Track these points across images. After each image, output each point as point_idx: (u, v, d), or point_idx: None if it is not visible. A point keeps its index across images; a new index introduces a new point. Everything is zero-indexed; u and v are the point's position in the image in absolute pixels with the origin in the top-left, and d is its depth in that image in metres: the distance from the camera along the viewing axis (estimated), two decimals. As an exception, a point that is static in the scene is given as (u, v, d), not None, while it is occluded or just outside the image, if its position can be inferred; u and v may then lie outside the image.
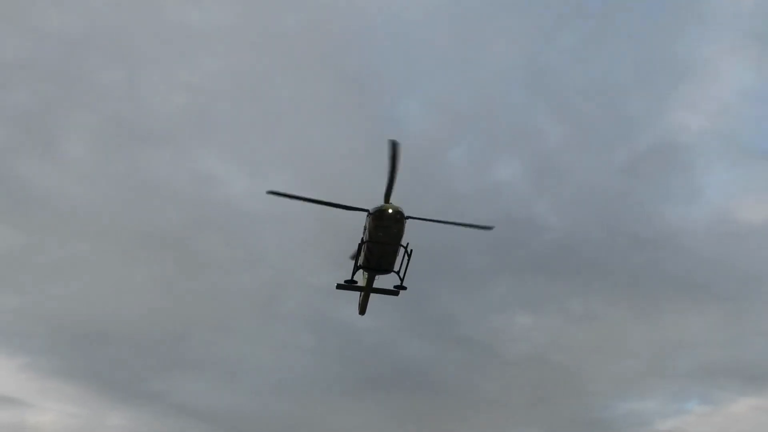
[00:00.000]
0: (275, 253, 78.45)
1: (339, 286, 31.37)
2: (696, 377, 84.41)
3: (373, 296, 32.39)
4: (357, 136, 79.41)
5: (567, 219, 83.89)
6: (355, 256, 29.94)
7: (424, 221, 28.73)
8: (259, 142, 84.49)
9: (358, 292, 32.67)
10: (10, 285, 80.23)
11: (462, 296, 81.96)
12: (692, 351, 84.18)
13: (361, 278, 31.96)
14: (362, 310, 33.43)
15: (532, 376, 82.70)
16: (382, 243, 28.95)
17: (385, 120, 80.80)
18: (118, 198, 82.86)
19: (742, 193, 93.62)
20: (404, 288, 30.76)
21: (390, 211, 28.17)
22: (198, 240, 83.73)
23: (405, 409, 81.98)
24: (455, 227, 29.19)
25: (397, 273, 30.63)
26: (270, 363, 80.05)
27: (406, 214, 28.35)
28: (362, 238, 29.75)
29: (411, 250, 29.32)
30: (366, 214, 28.87)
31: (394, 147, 26.14)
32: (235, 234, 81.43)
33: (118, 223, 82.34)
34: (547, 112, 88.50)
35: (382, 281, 32.56)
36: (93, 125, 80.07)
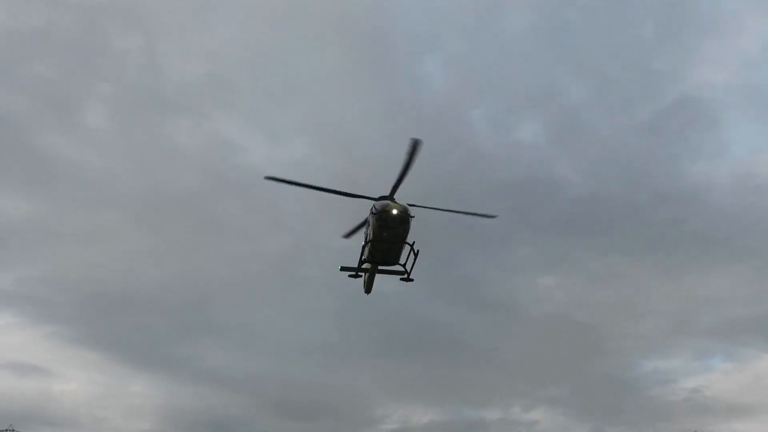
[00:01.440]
0: (296, 217, 78.48)
1: (343, 268, 31.82)
2: (720, 334, 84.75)
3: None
4: (377, 99, 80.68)
5: (589, 178, 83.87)
6: (361, 255, 30.02)
7: (430, 209, 28.52)
8: (279, 108, 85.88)
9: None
10: (32, 254, 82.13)
11: (484, 258, 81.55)
12: (716, 308, 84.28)
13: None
14: (368, 289, 33.16)
15: (556, 336, 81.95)
16: (386, 242, 29.06)
17: (407, 81, 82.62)
18: (138, 165, 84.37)
19: (767, 147, 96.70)
20: (411, 280, 30.86)
21: (395, 212, 27.98)
22: (219, 206, 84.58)
23: (428, 371, 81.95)
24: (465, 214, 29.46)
25: (403, 266, 30.84)
26: (292, 327, 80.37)
27: (411, 213, 28.15)
28: (365, 236, 29.86)
29: (417, 251, 29.25)
30: (371, 208, 28.50)
31: (414, 145, 25.75)
32: (256, 199, 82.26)
33: (140, 191, 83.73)
34: (569, 71, 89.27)
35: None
36: (113, 94, 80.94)
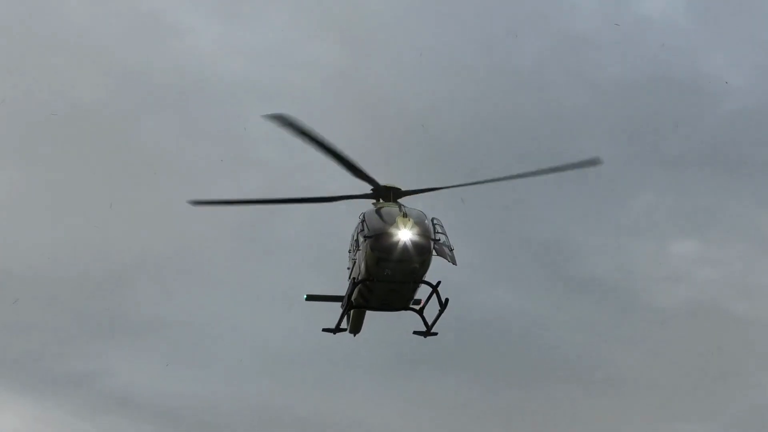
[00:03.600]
0: (269, 144, 61.66)
1: (310, 298, 27.45)
2: None
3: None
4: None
5: (755, 80, 70.53)
6: (345, 298, 24.80)
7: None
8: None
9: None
10: None
11: (579, 214, 68.35)
12: None
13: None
14: (355, 328, 27.08)
15: (699, 340, 65.27)
16: (389, 282, 23.09)
17: None
18: (16, 53, 65.86)
19: None
20: (433, 334, 24.98)
21: (404, 236, 21.67)
22: (144, 127, 68.11)
23: (487, 397, 64.46)
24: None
25: (419, 310, 24.72)
26: (262, 325, 62.70)
27: (435, 226, 22.44)
28: (353, 265, 24.23)
29: (446, 300, 23.42)
30: (360, 220, 23.23)
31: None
32: (204, 115, 67.72)
33: (17, 97, 64.46)
34: None
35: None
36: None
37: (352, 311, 26.40)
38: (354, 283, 23.96)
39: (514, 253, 63.73)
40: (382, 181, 23.55)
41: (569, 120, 68.10)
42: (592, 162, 25.22)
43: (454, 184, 23.93)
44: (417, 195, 23.91)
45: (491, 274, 66.75)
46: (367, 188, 23.53)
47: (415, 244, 21.95)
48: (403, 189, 23.40)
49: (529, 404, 64.36)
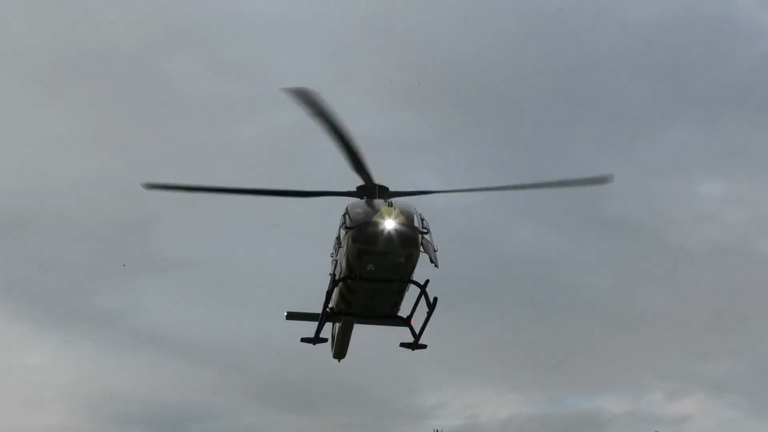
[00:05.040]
0: (294, 79, 57.67)
1: (291, 316, 24.39)
2: None
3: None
4: None
5: None
6: (325, 300, 22.01)
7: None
8: None
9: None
10: None
11: (610, 150, 66.96)
12: None
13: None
14: (340, 352, 25.09)
15: (725, 282, 64.95)
16: (373, 281, 20.78)
17: None
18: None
19: None
20: (422, 347, 23.06)
21: (389, 226, 19.51)
22: (169, 66, 67.52)
23: (509, 335, 64.31)
24: None
25: (406, 319, 22.44)
26: (288, 264, 58.73)
27: (422, 220, 20.22)
28: (335, 266, 21.88)
29: (435, 299, 21.08)
30: (343, 214, 20.96)
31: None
32: (229, 50, 67.22)
33: (40, 42, 65.93)
34: None
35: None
36: None
37: (337, 329, 24.86)
38: (334, 282, 21.92)
39: (540, 192, 63.90)
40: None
41: (599, 60, 66.44)
42: (602, 180, 23.26)
43: (448, 189, 22.45)
44: (408, 198, 21.68)
45: (517, 213, 65.61)
46: (353, 185, 21.53)
47: (400, 234, 19.91)
48: (391, 189, 21.24)
49: (554, 343, 63.88)
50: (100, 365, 64.97)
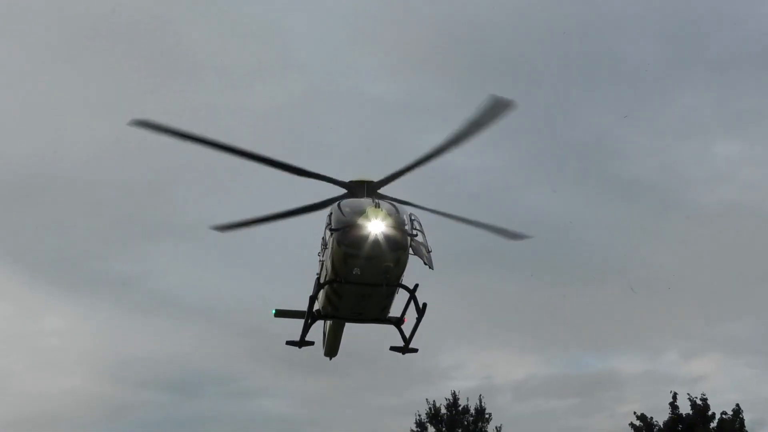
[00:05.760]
0: (311, 47, 65.64)
1: (279, 313, 22.92)
2: None
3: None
4: None
5: None
6: (310, 302, 20.13)
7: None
8: None
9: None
10: None
11: (621, 113, 68.69)
12: None
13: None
14: (331, 350, 23.37)
15: (741, 240, 62.88)
16: (359, 285, 19.07)
17: None
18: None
19: None
20: (412, 351, 21.13)
21: (375, 228, 17.92)
22: (185, 31, 65.04)
23: (525, 296, 63.46)
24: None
25: (396, 322, 20.52)
26: (310, 225, 59.04)
27: (411, 221, 18.47)
28: (321, 267, 20.15)
29: (424, 304, 19.48)
30: (328, 214, 19.02)
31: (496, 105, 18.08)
32: (246, 18, 65.84)
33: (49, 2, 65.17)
34: None
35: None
36: None
37: (327, 328, 23.37)
38: (318, 285, 20.36)
39: (556, 154, 62.19)
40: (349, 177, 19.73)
41: (614, 22, 64.69)
42: (518, 236, 21.53)
43: (430, 208, 20.07)
44: (395, 180, 19.90)
45: (534, 175, 64.79)
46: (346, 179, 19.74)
47: (387, 237, 18.44)
48: (376, 181, 19.62)
49: (570, 304, 63.03)
50: (118, 329, 64.01)
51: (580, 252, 62.84)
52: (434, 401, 46.97)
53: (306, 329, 20.97)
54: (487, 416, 46.62)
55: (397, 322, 20.41)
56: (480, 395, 47.35)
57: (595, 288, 65.60)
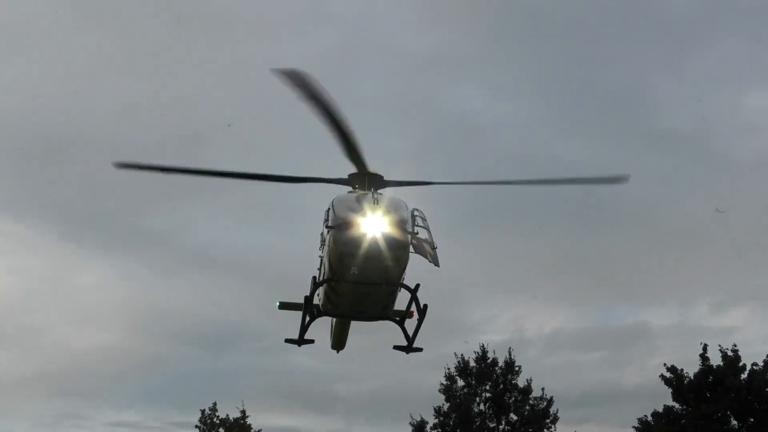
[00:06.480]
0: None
1: (283, 306, 21.82)
2: None
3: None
4: None
5: None
6: (306, 302, 18.87)
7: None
8: None
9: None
10: None
11: (650, 60, 68.41)
12: None
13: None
14: (339, 343, 22.20)
15: None
16: (359, 284, 17.92)
17: None
18: None
19: None
20: (417, 350, 19.60)
21: (372, 228, 16.71)
22: None
23: (555, 247, 62.86)
24: None
25: (399, 320, 19.27)
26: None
27: (414, 218, 17.11)
28: (319, 266, 19.29)
29: (425, 306, 18.20)
30: (326, 210, 17.94)
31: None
32: None
33: None
34: None
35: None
36: None
37: (334, 322, 22.21)
38: (315, 284, 19.45)
39: (590, 105, 60.77)
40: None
41: None
42: (619, 179, 19.93)
43: (448, 181, 19.16)
44: (403, 187, 18.69)
45: (565, 128, 63.22)
46: (344, 173, 18.59)
47: (386, 237, 17.34)
48: (386, 178, 18.27)
49: (601, 257, 62.32)
50: (151, 284, 63.99)
51: (611, 204, 60.56)
52: (462, 355, 46.76)
53: (304, 327, 19.96)
54: (516, 369, 46.28)
55: (400, 323, 19.44)
56: (509, 348, 47.01)
57: (626, 240, 64.18)
